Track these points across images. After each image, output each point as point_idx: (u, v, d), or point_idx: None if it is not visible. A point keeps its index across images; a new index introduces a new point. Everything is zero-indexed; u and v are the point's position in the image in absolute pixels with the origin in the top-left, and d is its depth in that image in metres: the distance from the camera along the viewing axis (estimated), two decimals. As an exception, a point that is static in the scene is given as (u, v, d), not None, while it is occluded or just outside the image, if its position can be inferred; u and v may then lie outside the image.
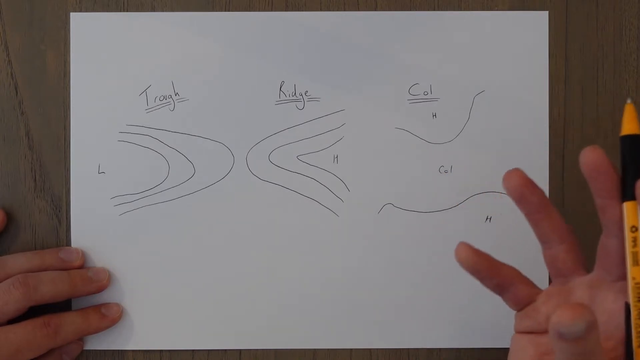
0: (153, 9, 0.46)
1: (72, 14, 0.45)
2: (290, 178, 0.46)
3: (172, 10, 0.46)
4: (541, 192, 0.36)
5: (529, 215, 0.36)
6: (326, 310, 0.45)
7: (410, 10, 0.46)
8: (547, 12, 0.46)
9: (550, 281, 0.40)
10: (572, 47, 0.46)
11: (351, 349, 0.46)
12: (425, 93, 0.46)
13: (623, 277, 0.34)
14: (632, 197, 0.33)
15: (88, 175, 0.45)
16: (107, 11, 0.45)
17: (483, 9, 0.46)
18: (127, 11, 0.46)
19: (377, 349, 0.46)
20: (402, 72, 0.45)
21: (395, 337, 0.45)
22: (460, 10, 0.46)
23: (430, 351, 0.46)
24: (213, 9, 0.46)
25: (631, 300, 0.33)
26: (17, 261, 0.43)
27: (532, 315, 0.37)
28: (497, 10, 0.46)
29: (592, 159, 0.34)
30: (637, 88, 0.46)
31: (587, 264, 0.37)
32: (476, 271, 0.37)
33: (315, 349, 0.46)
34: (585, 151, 0.34)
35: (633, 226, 0.33)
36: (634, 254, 0.33)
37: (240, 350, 0.46)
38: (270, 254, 0.45)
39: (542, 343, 0.36)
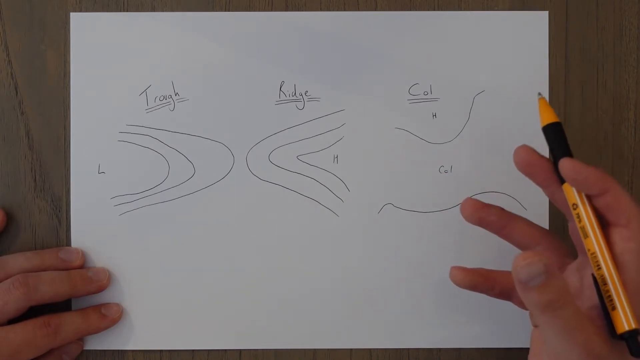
0: (153, 9, 0.46)
1: (72, 14, 0.45)
2: (290, 178, 0.46)
3: (172, 10, 0.46)
4: (497, 209, 0.39)
5: (496, 232, 0.39)
6: (326, 310, 0.45)
7: (410, 10, 0.46)
8: (547, 12, 0.46)
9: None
10: (572, 47, 0.46)
11: (351, 349, 0.46)
12: (425, 93, 0.46)
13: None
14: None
15: (88, 175, 0.45)
16: (107, 11, 0.46)
17: (483, 9, 0.46)
18: (127, 11, 0.46)
19: (377, 349, 0.46)
20: (402, 72, 0.45)
21: (395, 337, 0.45)
22: (460, 10, 0.46)
23: (430, 351, 0.46)
24: (213, 9, 0.46)
25: (594, 270, 0.35)
26: (17, 261, 0.43)
27: None
28: (497, 10, 0.46)
29: (522, 156, 0.36)
30: (637, 88, 0.46)
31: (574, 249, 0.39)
32: (474, 287, 0.39)
33: (315, 349, 0.46)
34: (515, 151, 0.36)
35: (573, 204, 0.35)
36: (582, 229, 0.35)
37: (240, 350, 0.46)
38: (270, 253, 0.45)
39: None
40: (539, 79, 0.46)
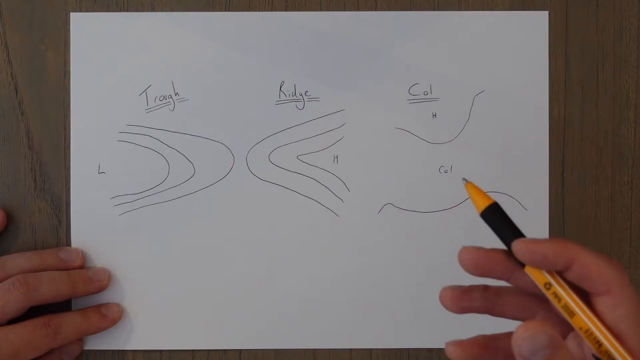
0: (153, 9, 0.46)
1: (72, 14, 0.45)
2: (290, 178, 0.46)
3: (172, 10, 0.46)
4: (479, 292, 0.34)
5: (489, 314, 0.35)
6: (326, 310, 0.45)
7: (410, 10, 0.46)
8: (547, 12, 0.46)
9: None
10: (572, 47, 0.46)
11: (351, 349, 0.46)
12: (425, 93, 0.46)
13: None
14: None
15: (88, 175, 0.45)
16: (107, 11, 0.45)
17: (483, 9, 0.46)
18: (127, 11, 0.46)
19: (377, 349, 0.46)
20: (402, 72, 0.45)
21: (395, 337, 0.45)
22: (460, 10, 0.46)
23: (430, 351, 0.46)
24: (213, 9, 0.46)
25: (593, 348, 0.31)
26: (17, 261, 0.43)
27: None
28: (497, 10, 0.46)
29: (467, 260, 0.32)
30: (637, 88, 0.46)
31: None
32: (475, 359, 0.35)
33: (315, 349, 0.46)
34: (459, 257, 0.32)
35: (546, 283, 0.32)
36: (565, 308, 0.31)
37: (240, 350, 0.46)
38: (270, 253, 0.45)
39: None
40: (539, 79, 0.46)
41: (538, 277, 0.31)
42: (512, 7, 0.46)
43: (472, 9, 0.46)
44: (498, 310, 0.35)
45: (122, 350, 0.45)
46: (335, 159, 0.46)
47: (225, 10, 0.46)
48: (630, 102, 0.46)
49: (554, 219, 0.45)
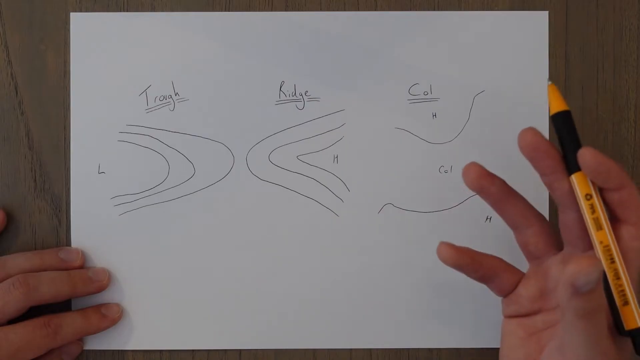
0: (153, 9, 0.46)
1: (72, 14, 0.45)
2: (290, 178, 0.46)
3: (172, 10, 0.46)
4: (500, 181, 0.37)
5: (493, 204, 0.38)
6: (326, 310, 0.45)
7: (410, 10, 0.46)
8: (547, 12, 0.46)
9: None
10: (572, 47, 0.46)
11: (351, 349, 0.46)
12: (425, 93, 0.46)
13: (589, 247, 0.36)
14: (577, 169, 0.34)
15: (88, 175, 0.45)
16: (107, 11, 0.46)
17: (483, 9, 0.46)
18: (127, 11, 0.46)
19: (377, 349, 0.46)
20: (402, 72, 0.45)
21: (395, 337, 0.45)
22: (460, 10, 0.46)
23: (430, 351, 0.46)
24: (213, 9, 0.46)
25: (604, 263, 0.34)
26: (17, 261, 0.43)
27: (515, 300, 0.39)
28: (497, 10, 0.46)
29: (529, 139, 0.35)
30: (637, 88, 0.46)
31: (559, 242, 0.38)
32: (459, 267, 0.38)
33: (315, 349, 0.46)
34: (521, 133, 0.35)
35: (587, 194, 0.34)
36: (595, 220, 0.34)
37: (240, 350, 0.46)
38: (270, 254, 0.45)
39: (529, 325, 0.38)
40: (539, 79, 0.46)
41: (583, 186, 0.34)
42: (512, 7, 0.46)
43: (472, 9, 0.46)
44: (501, 206, 0.38)
45: (122, 350, 0.45)
46: (335, 159, 0.46)
47: (225, 10, 0.46)
48: (630, 102, 0.46)
49: (554, 219, 0.45)
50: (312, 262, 0.45)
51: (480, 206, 0.45)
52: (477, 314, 0.45)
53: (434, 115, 0.46)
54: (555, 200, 0.36)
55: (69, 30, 0.45)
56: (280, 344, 0.46)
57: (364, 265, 0.45)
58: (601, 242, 0.34)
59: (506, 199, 0.38)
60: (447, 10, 0.46)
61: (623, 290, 0.34)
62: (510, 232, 0.44)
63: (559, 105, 0.35)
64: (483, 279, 0.39)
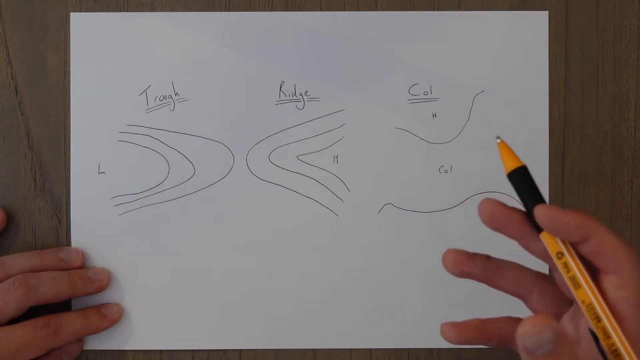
0: (153, 9, 0.46)
1: (72, 14, 0.45)
2: (290, 178, 0.46)
3: (172, 10, 0.46)
4: (482, 260, 0.35)
5: (484, 282, 0.35)
6: (326, 310, 0.45)
7: (410, 10, 0.46)
8: (547, 12, 0.46)
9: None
10: (572, 47, 0.46)
11: (351, 349, 0.46)
12: (425, 93, 0.46)
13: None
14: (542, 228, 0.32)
15: (88, 175, 0.45)
16: (107, 11, 0.46)
17: (483, 9, 0.46)
18: (127, 11, 0.46)
19: (377, 349, 0.46)
20: (402, 72, 0.45)
21: (395, 337, 0.45)
22: (460, 10, 0.46)
23: (430, 351, 0.46)
24: (213, 9, 0.46)
25: (591, 323, 0.32)
26: (17, 261, 0.43)
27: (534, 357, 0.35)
28: (497, 10, 0.46)
29: (486, 211, 0.33)
30: (637, 88, 0.46)
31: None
32: (469, 343, 0.36)
33: (315, 349, 0.46)
34: (479, 207, 0.33)
35: (558, 252, 0.32)
36: (572, 279, 0.32)
37: (240, 350, 0.46)
38: (270, 253, 0.45)
39: None
40: (539, 79, 0.46)
41: (551, 245, 0.32)
42: (512, 7, 0.46)
43: (472, 9, 0.46)
44: (495, 282, 0.35)
45: (122, 350, 0.45)
46: (335, 159, 0.46)
47: (225, 10, 0.46)
48: (630, 102, 0.46)
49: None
50: (312, 262, 0.45)
51: (480, 206, 0.45)
52: (477, 314, 0.45)
53: (434, 115, 0.46)
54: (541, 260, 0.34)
55: (69, 30, 0.45)
56: (280, 344, 0.46)
57: (363, 265, 0.45)
58: (583, 302, 0.32)
59: (494, 275, 0.35)
60: (447, 10, 0.46)
61: (616, 350, 0.31)
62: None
63: (513, 163, 0.33)
64: (501, 344, 0.36)
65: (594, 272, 0.32)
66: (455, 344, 0.36)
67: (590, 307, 0.31)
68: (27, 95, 0.46)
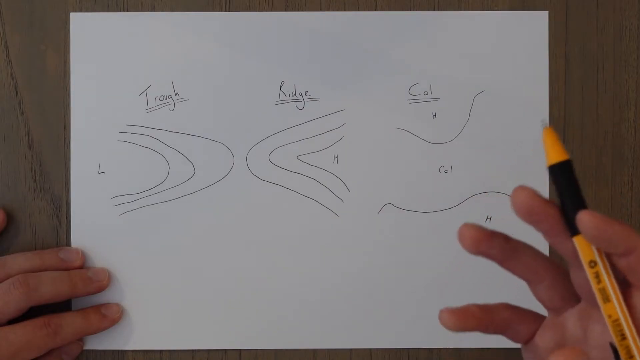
0: (153, 9, 0.46)
1: (72, 14, 0.45)
2: (290, 178, 0.46)
3: (172, 10, 0.46)
4: (501, 239, 0.33)
5: (500, 263, 0.34)
6: (326, 310, 0.45)
7: (410, 10, 0.46)
8: (547, 12, 0.46)
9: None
10: (572, 47, 0.46)
11: (351, 349, 0.46)
12: (425, 93, 0.46)
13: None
14: (578, 231, 0.30)
15: (88, 175, 0.45)
16: (107, 11, 0.45)
17: (483, 9, 0.46)
18: (127, 11, 0.46)
19: (377, 349, 0.46)
20: (402, 72, 0.45)
21: (395, 337, 0.45)
22: (460, 10, 0.46)
23: (430, 351, 0.46)
24: (213, 9, 0.46)
25: (615, 340, 0.30)
26: (17, 261, 0.43)
27: (532, 349, 0.36)
28: (497, 10, 0.46)
29: (523, 201, 0.30)
30: (637, 88, 0.46)
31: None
32: (466, 330, 0.35)
33: (315, 349, 0.46)
34: (514, 193, 0.30)
35: (591, 261, 0.30)
36: (602, 290, 0.30)
37: (240, 350, 0.46)
38: (270, 254, 0.45)
39: None
40: (539, 79, 0.46)
41: (585, 252, 0.30)
42: (512, 7, 0.46)
43: (472, 9, 0.46)
44: (508, 265, 0.33)
45: (122, 350, 0.45)
46: (335, 159, 0.46)
47: (225, 10, 0.46)
48: (630, 102, 0.46)
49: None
50: (312, 262, 0.45)
51: (480, 206, 0.45)
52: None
53: (434, 115, 0.46)
54: (562, 256, 0.32)
55: (69, 30, 0.45)
56: (280, 344, 0.45)
57: (364, 265, 0.45)
58: (610, 316, 0.30)
59: (511, 257, 0.33)
60: (447, 10, 0.46)
61: None
62: (509, 233, 0.44)
63: (558, 155, 0.30)
64: (497, 331, 0.35)
65: (623, 285, 0.31)
66: (453, 331, 0.35)
67: (617, 323, 0.30)
68: (27, 95, 0.46)
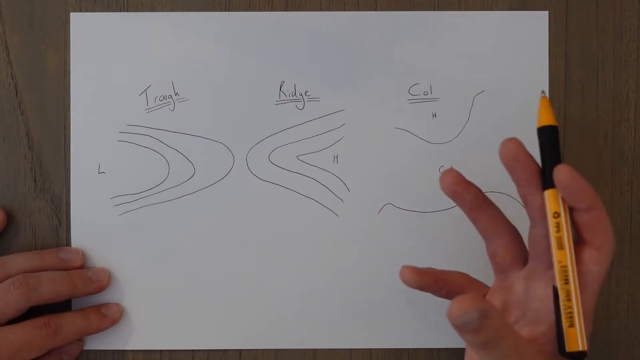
0: (153, 9, 0.46)
1: (72, 14, 0.45)
2: (290, 178, 0.46)
3: (172, 10, 0.46)
4: (476, 190, 0.37)
5: (467, 212, 0.38)
6: (326, 310, 0.45)
7: (410, 10, 0.46)
8: (547, 12, 0.46)
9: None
10: (572, 47, 0.46)
11: (351, 349, 0.46)
12: (425, 93, 0.46)
13: (552, 265, 0.36)
14: (552, 185, 0.34)
15: (88, 175, 0.45)
16: (107, 11, 0.46)
17: (483, 9, 0.46)
18: (127, 11, 0.46)
19: (377, 349, 0.46)
20: (402, 72, 0.45)
21: (395, 337, 0.45)
22: (460, 10, 0.46)
23: (430, 351, 0.46)
24: (213, 9, 0.46)
25: (558, 283, 0.34)
26: (17, 261, 0.43)
27: None
28: (497, 10, 0.46)
29: (511, 149, 0.35)
30: (637, 88, 0.46)
31: (526, 257, 0.38)
32: (422, 288, 0.40)
33: (315, 349, 0.46)
34: (504, 142, 0.35)
35: (555, 212, 0.34)
36: (558, 239, 0.34)
37: (240, 350, 0.46)
38: (270, 253, 0.45)
39: None
40: (539, 79, 0.46)
41: (552, 204, 0.34)
42: (512, 7, 0.46)
43: (472, 9, 0.46)
44: (476, 214, 0.38)
45: (122, 350, 0.45)
46: (335, 159, 0.46)
47: (225, 10, 0.46)
48: (630, 102, 0.46)
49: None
50: (312, 262, 0.45)
51: (480, 206, 0.45)
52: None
53: (434, 115, 0.46)
54: (527, 213, 0.36)
55: (69, 30, 0.45)
56: (280, 344, 0.46)
57: (363, 265, 0.45)
58: (559, 262, 0.34)
59: (480, 208, 0.37)
60: (447, 10, 0.46)
61: (571, 313, 0.34)
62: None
63: (548, 120, 0.36)
64: (448, 295, 0.40)
65: (576, 242, 0.35)
66: (411, 287, 0.40)
67: (564, 268, 0.34)
68: (27, 95, 0.46)
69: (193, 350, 0.46)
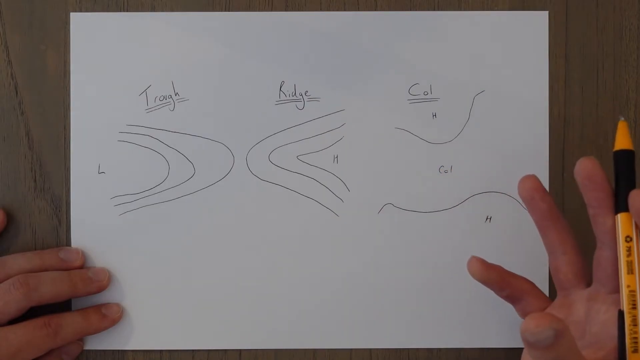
0: (153, 9, 0.46)
1: (72, 14, 0.45)
2: (290, 178, 0.46)
3: (172, 10, 0.46)
4: (551, 200, 0.37)
5: (538, 221, 0.38)
6: (326, 310, 0.45)
7: (410, 10, 0.46)
8: (547, 12, 0.46)
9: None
10: (572, 47, 0.46)
11: (351, 349, 0.46)
12: (425, 93, 0.46)
13: (616, 289, 0.35)
14: (625, 209, 0.35)
15: (88, 175, 0.45)
16: (107, 11, 0.45)
17: (483, 9, 0.46)
18: (127, 11, 0.46)
19: (377, 349, 0.46)
20: (402, 72, 0.45)
21: (395, 337, 0.45)
22: (460, 10, 0.46)
23: (430, 351, 0.46)
24: (213, 9, 0.46)
25: (625, 308, 0.34)
26: (17, 261, 0.43)
27: None
28: (497, 10, 0.46)
29: (587, 168, 0.35)
30: (637, 88, 0.46)
31: (590, 278, 0.38)
32: (486, 282, 0.39)
33: (315, 349, 0.46)
34: (581, 161, 0.35)
35: (627, 236, 0.35)
36: (629, 263, 0.34)
37: (240, 350, 0.46)
38: (270, 254, 0.45)
39: None
40: (539, 79, 0.46)
41: (625, 228, 0.35)
42: (512, 7, 0.46)
43: (472, 9, 0.46)
44: (545, 225, 0.38)
45: (122, 350, 0.45)
46: (335, 159, 0.46)
47: (225, 10, 0.46)
48: (630, 102, 0.46)
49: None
50: (312, 262, 0.45)
51: (480, 206, 0.45)
52: (477, 314, 0.45)
53: (434, 115, 0.46)
54: (595, 234, 0.36)
55: (69, 30, 0.45)
56: (280, 344, 0.46)
57: (363, 265, 0.45)
58: (628, 286, 0.34)
59: (551, 219, 0.38)
60: (447, 10, 0.46)
61: (636, 338, 0.34)
62: (509, 233, 0.44)
63: (625, 144, 0.36)
64: (509, 298, 0.40)
65: None
66: (477, 279, 0.39)
67: (633, 293, 0.34)
68: (27, 95, 0.46)
69: (193, 350, 0.46)
